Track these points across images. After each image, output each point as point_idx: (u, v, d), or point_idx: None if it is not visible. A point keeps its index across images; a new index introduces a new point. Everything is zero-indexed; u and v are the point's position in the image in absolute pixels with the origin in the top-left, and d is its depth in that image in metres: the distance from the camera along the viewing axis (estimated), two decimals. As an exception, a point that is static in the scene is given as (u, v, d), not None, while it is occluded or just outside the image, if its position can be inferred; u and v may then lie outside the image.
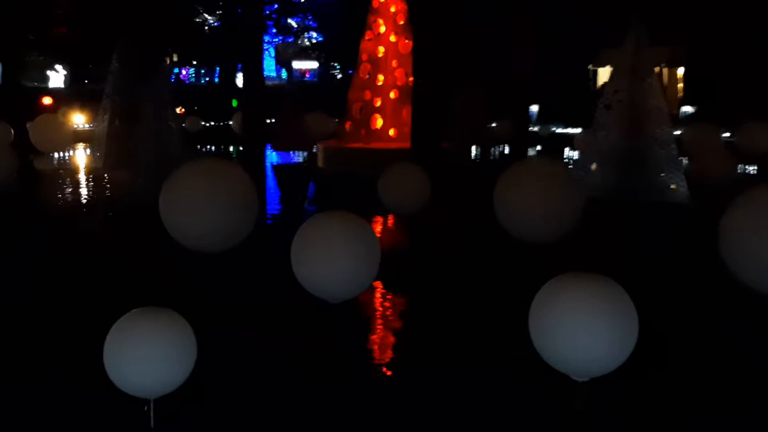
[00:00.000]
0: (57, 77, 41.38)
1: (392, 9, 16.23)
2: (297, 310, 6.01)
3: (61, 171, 16.69)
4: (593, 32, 26.15)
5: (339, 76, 40.81)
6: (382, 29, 16.23)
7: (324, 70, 45.73)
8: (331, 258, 5.58)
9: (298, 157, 18.42)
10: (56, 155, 18.89)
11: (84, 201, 12.48)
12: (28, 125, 18.38)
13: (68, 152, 19.61)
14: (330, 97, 20.67)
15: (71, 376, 4.98)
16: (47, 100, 28.93)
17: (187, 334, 4.14)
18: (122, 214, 10.75)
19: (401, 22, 16.08)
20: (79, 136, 20.92)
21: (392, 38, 16.22)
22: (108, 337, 4.01)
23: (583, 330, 4.35)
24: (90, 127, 21.61)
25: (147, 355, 3.97)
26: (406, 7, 15.80)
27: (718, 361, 5.21)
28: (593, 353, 4.40)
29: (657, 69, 27.64)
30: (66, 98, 28.53)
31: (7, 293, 6.76)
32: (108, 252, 8.48)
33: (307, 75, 48.54)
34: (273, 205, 11.75)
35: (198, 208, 6.72)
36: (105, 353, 4.02)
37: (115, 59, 15.82)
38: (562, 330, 4.44)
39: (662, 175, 9.88)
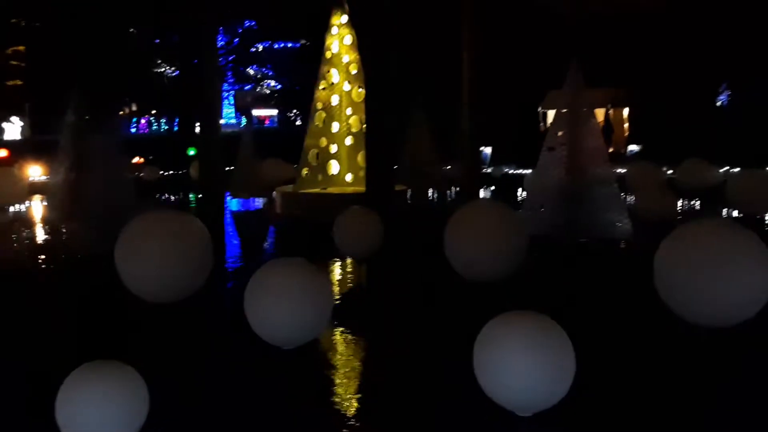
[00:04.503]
0: (13, 128, 40.97)
1: (345, 59, 16.70)
2: (250, 356, 6.13)
3: (15, 222, 16.48)
4: (542, 74, 27.12)
5: (298, 122, 41.30)
6: (336, 79, 16.67)
7: (283, 117, 46.24)
8: (281, 305, 5.77)
9: (257, 203, 18.55)
10: (11, 208, 18.65)
11: (37, 252, 12.37)
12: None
13: (24, 204, 19.38)
14: (289, 143, 20.93)
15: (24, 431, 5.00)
16: (2, 152, 28.55)
17: (138, 387, 4.25)
18: (76, 264, 10.71)
19: (354, 71, 16.54)
20: (35, 188, 20.69)
21: (346, 87, 16.65)
22: (60, 392, 4.10)
23: (522, 366, 4.62)
24: (46, 178, 21.39)
25: (99, 409, 4.07)
26: (358, 56, 16.28)
27: (655, 391, 5.48)
28: (533, 389, 4.66)
29: (602, 110, 28.77)
30: (22, 149, 28.20)
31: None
32: (61, 303, 8.47)
33: (267, 122, 48.96)
34: (231, 252, 11.84)
35: (152, 259, 6.85)
36: (57, 408, 4.11)
37: (70, 110, 15.84)
38: (503, 367, 4.70)
39: (605, 213, 10.32)
